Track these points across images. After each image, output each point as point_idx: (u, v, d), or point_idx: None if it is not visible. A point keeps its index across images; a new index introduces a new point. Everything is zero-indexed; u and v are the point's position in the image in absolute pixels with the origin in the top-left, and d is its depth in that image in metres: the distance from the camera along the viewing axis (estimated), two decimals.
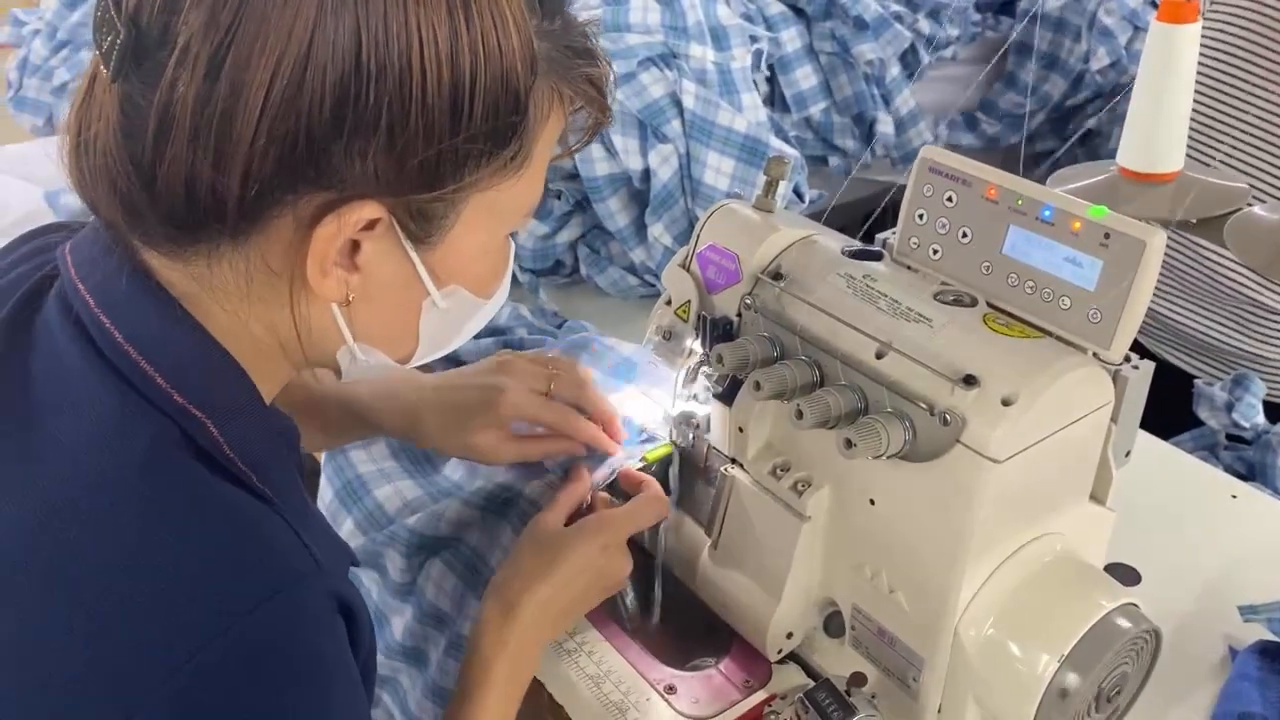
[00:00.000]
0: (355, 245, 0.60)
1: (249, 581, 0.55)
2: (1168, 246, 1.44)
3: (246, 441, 0.60)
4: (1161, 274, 1.44)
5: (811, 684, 0.82)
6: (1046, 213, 0.72)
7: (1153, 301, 1.48)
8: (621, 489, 0.90)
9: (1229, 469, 1.18)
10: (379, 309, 0.64)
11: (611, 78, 0.68)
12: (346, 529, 0.99)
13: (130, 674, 0.52)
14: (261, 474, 0.60)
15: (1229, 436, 1.26)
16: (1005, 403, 0.68)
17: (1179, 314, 1.48)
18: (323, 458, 1.04)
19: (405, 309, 0.66)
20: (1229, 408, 1.25)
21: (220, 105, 0.53)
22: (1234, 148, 1.34)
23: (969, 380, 0.69)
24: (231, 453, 0.59)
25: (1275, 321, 1.41)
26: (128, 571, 0.54)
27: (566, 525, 0.84)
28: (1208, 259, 1.41)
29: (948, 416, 0.69)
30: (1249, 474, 1.20)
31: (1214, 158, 1.35)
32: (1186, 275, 1.44)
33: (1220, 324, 1.45)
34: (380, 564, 0.95)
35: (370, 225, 0.59)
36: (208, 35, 0.53)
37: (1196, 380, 1.29)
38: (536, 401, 0.91)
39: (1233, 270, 1.39)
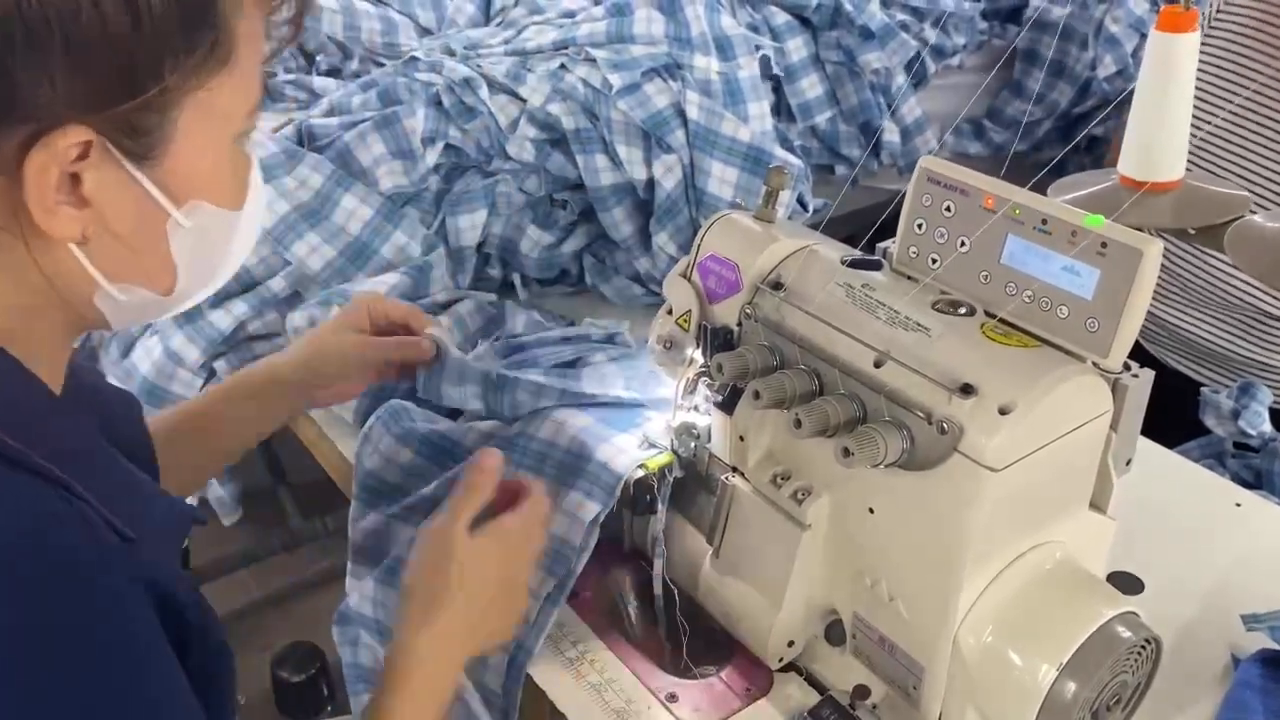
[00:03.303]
0: (77, 179, 0.57)
1: (21, 564, 0.53)
2: (1172, 254, 1.44)
3: (14, 415, 0.58)
4: (1166, 281, 1.45)
5: (817, 697, 0.82)
6: (1044, 222, 0.73)
7: (1157, 308, 1.48)
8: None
9: (1236, 477, 1.18)
10: (122, 241, 0.61)
11: None
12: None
13: None
14: (42, 448, 0.57)
15: (1236, 444, 1.26)
16: (1003, 411, 0.69)
17: (1184, 320, 1.48)
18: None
19: (149, 236, 0.63)
20: (1235, 415, 1.25)
21: None
22: (1244, 157, 1.34)
23: (966, 389, 0.70)
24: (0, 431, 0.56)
25: None
26: None
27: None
28: (1213, 267, 1.40)
29: (945, 425, 0.69)
30: (1256, 482, 1.20)
31: (1226, 167, 1.35)
32: (1191, 282, 1.44)
33: (1226, 331, 1.45)
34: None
35: (84, 153, 0.57)
36: None
37: (1203, 388, 1.29)
38: (385, 303, 1.05)
39: (1238, 278, 1.39)
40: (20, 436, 0.57)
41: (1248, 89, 1.31)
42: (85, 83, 0.55)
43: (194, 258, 0.66)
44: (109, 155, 0.58)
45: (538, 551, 0.83)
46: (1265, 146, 1.32)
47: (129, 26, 0.54)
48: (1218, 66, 1.36)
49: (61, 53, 0.53)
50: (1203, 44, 1.37)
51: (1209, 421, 1.27)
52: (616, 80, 1.27)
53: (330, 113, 1.37)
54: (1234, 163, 1.34)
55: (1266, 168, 1.32)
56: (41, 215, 0.57)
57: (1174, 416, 1.14)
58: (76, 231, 0.59)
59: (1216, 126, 1.33)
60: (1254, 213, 0.88)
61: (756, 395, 0.76)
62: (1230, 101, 1.32)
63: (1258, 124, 1.32)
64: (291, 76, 1.65)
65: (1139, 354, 0.90)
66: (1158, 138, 0.86)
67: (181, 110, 0.59)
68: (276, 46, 0.67)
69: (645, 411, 0.98)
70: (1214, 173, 1.35)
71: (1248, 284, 1.38)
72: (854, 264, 0.82)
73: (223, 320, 1.21)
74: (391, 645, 0.76)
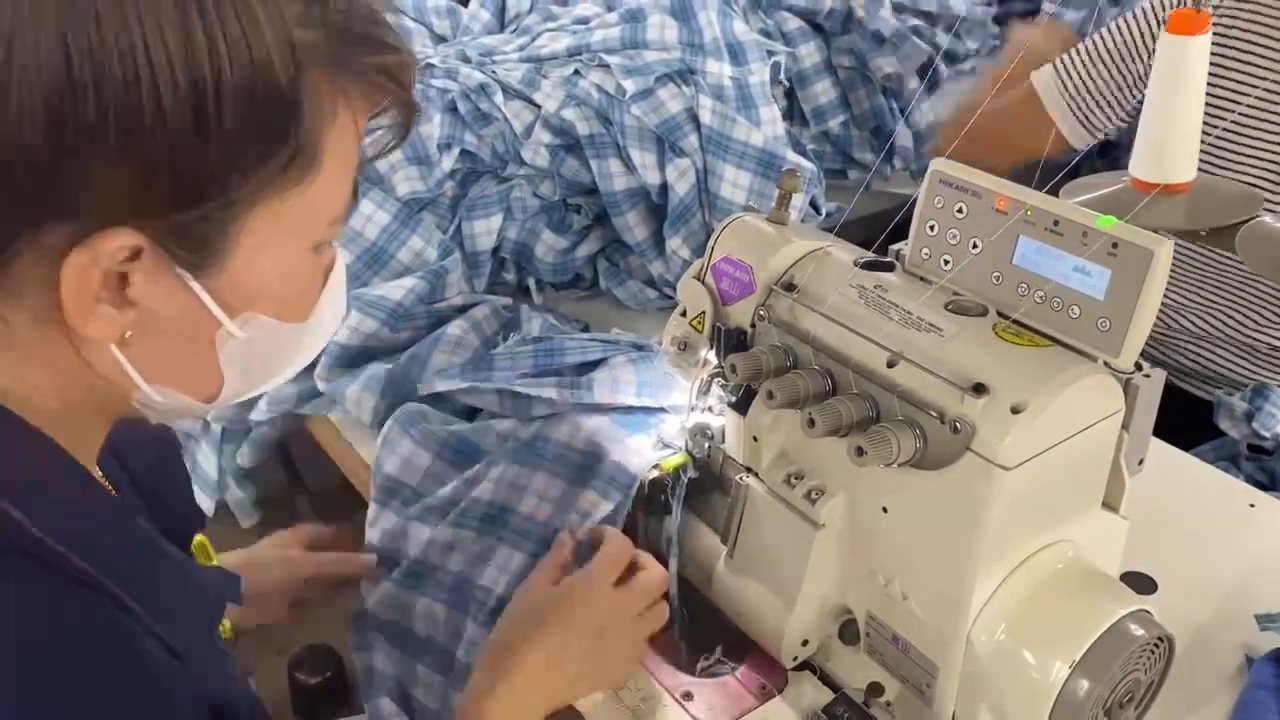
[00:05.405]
0: (125, 277, 0.53)
1: (71, 696, 0.50)
2: (1170, 295, 1.43)
3: (56, 516, 0.54)
4: (1167, 317, 1.44)
5: (831, 696, 0.83)
6: (1056, 223, 0.73)
7: (1160, 334, 1.48)
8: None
9: (1250, 479, 1.18)
10: (166, 345, 0.58)
11: (412, 63, 0.60)
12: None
13: None
14: (84, 550, 0.54)
15: (1250, 447, 1.26)
16: (1015, 410, 0.69)
17: (1193, 352, 1.48)
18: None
19: (197, 343, 0.59)
20: (1249, 418, 1.25)
21: None
22: (1254, 158, 1.34)
23: (979, 388, 0.70)
24: (39, 533, 0.53)
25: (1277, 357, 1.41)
26: None
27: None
28: (1210, 303, 1.40)
29: (958, 424, 0.70)
30: (1270, 484, 1.20)
31: (1234, 167, 1.35)
32: (1191, 319, 1.44)
33: (1228, 358, 1.45)
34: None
35: (135, 254, 0.53)
36: None
37: (1216, 390, 1.29)
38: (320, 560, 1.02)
39: (1229, 314, 1.39)
40: (64, 539, 0.54)
41: (1257, 90, 1.31)
42: (140, 190, 0.51)
43: (244, 366, 0.61)
44: (163, 260, 0.54)
45: (620, 597, 0.84)
46: (1273, 147, 1.32)
47: (194, 133, 0.50)
48: (1226, 67, 1.36)
49: (118, 158, 0.50)
50: (1211, 44, 1.37)
51: (1223, 424, 1.27)
52: (630, 86, 1.28)
53: None
54: (1245, 163, 1.34)
55: (1275, 168, 1.32)
56: (74, 313, 0.53)
57: (1188, 431, 1.14)
58: (114, 332, 0.55)
59: (1226, 128, 1.33)
60: (1266, 213, 0.88)
61: (770, 395, 0.76)
62: (1239, 103, 1.32)
63: (1266, 124, 1.32)
64: None
65: None
66: (1169, 139, 0.86)
67: (252, 220, 0.55)
68: (376, 152, 0.63)
69: (660, 413, 0.99)
70: (1222, 174, 1.35)
71: (1241, 318, 1.38)
72: (867, 265, 0.83)
73: None
74: (467, 698, 0.78)
